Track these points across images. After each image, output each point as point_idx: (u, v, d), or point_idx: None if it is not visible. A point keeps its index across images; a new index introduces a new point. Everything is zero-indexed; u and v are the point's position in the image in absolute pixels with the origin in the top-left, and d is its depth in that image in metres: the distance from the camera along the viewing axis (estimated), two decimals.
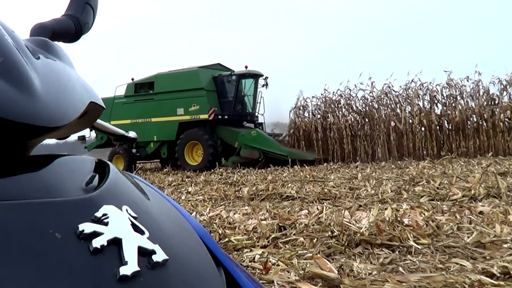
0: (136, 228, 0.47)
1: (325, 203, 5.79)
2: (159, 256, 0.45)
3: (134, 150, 17.60)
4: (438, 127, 16.25)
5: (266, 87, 16.91)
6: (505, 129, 15.42)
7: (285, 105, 20.30)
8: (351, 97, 17.56)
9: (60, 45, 0.69)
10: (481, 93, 16.23)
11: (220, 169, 13.78)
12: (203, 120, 16.16)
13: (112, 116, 17.62)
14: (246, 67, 16.79)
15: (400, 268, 3.03)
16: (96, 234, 0.43)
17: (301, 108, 18.11)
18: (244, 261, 3.34)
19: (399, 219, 4.03)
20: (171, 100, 16.79)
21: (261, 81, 17.07)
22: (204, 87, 16.43)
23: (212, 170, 13.78)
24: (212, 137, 15.80)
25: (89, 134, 18.86)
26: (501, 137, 15.37)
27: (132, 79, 18.14)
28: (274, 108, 18.21)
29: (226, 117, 16.36)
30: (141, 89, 17.87)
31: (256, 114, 17.64)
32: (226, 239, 3.90)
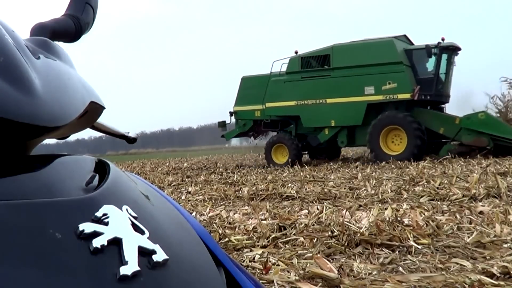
0: (136, 228, 0.47)
1: (325, 203, 5.79)
2: (159, 256, 0.45)
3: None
4: None
5: (455, 65, 14.33)
6: None
7: None
8: None
9: (60, 45, 0.69)
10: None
11: (220, 169, 13.74)
12: (396, 101, 13.35)
13: (267, 97, 14.80)
14: (443, 39, 13.67)
15: (400, 268, 3.03)
16: (96, 234, 0.43)
17: None
18: (244, 261, 3.34)
19: (399, 219, 4.03)
20: (356, 77, 13.61)
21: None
22: (403, 61, 13.43)
23: (214, 170, 13.34)
24: (417, 121, 12.98)
25: (229, 120, 16.10)
26: None
27: (296, 52, 14.81)
28: None
29: (428, 97, 13.49)
30: (311, 64, 14.58)
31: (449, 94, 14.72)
32: (226, 239, 3.90)
